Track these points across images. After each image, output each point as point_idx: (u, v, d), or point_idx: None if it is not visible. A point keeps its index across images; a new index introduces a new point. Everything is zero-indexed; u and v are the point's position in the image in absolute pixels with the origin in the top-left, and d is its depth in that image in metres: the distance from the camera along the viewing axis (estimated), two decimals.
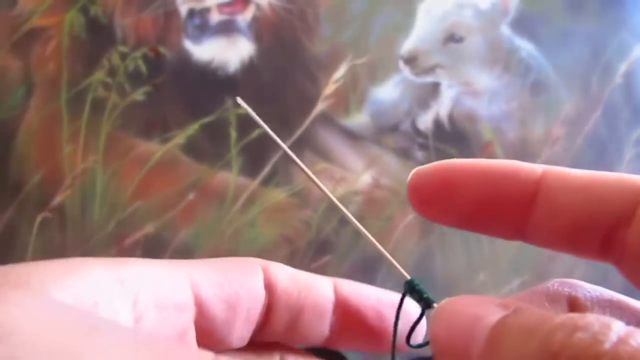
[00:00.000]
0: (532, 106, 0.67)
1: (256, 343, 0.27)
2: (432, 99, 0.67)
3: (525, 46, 0.68)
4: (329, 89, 0.65)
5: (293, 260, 0.61)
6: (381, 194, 0.64)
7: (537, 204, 0.25)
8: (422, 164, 0.68)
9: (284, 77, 0.65)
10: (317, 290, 0.27)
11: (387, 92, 0.66)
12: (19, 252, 0.60)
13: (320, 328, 0.27)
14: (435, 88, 0.67)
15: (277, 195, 0.63)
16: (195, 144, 0.63)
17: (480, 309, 0.22)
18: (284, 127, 0.64)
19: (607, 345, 0.18)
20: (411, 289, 0.26)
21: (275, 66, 0.65)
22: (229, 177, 0.62)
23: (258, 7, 0.65)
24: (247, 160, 0.63)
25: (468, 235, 0.64)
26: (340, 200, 0.64)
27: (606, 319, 0.19)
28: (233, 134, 0.63)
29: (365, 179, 0.64)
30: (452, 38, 0.67)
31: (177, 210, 0.61)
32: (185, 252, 0.61)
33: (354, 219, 0.28)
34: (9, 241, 0.60)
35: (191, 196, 0.62)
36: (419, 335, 0.26)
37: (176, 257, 0.60)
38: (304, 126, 0.64)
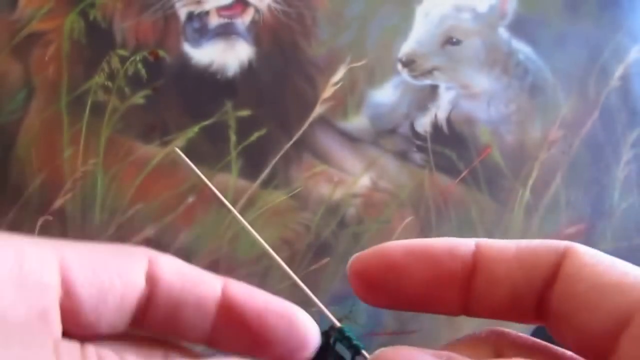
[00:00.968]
0: (530, 109, 0.67)
1: (139, 337, 0.26)
2: (431, 101, 0.67)
3: (523, 49, 0.68)
4: (328, 91, 0.65)
5: (292, 262, 0.62)
6: (380, 196, 0.64)
7: (476, 277, 0.26)
8: (421, 166, 0.68)
9: (282, 80, 0.65)
10: (203, 287, 0.26)
11: (386, 94, 0.66)
12: None
13: (202, 325, 0.26)
14: (433, 91, 0.67)
15: (276, 197, 0.63)
16: (195, 147, 0.63)
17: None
18: (282, 130, 0.64)
19: None
20: (341, 336, 0.26)
21: (274, 69, 0.65)
22: (229, 180, 0.63)
23: (257, 10, 0.65)
24: (247, 163, 0.63)
25: (465, 237, 0.64)
26: (339, 202, 0.64)
27: None
28: (232, 137, 0.63)
29: (363, 181, 0.64)
30: (450, 41, 0.67)
31: (177, 213, 0.62)
32: (186, 255, 0.61)
33: (278, 258, 0.30)
34: None
35: (191, 199, 0.62)
36: None
37: None
38: (302, 129, 0.64)
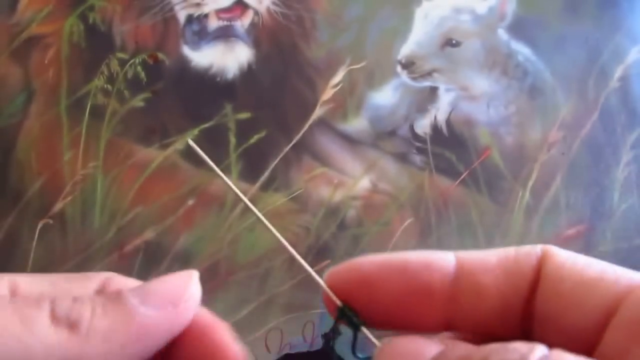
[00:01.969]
0: (530, 110, 0.67)
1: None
2: (430, 103, 0.67)
3: (522, 50, 0.68)
4: (327, 94, 0.65)
5: (292, 265, 0.62)
6: (380, 198, 0.64)
7: (460, 290, 0.26)
8: (421, 168, 0.68)
9: (282, 82, 0.65)
10: None
11: (385, 96, 0.66)
12: (21, 259, 0.60)
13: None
14: (433, 92, 0.67)
15: (277, 200, 0.63)
16: (195, 150, 0.63)
17: (418, 347, 0.23)
18: (282, 132, 0.64)
19: None
20: (341, 314, 0.26)
21: (273, 72, 0.65)
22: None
23: (256, 13, 0.65)
24: (246, 166, 0.63)
25: (465, 239, 0.64)
26: (339, 204, 0.64)
27: (531, 343, 0.21)
28: (232, 139, 0.63)
29: (363, 183, 0.64)
30: (449, 42, 0.67)
31: (176, 216, 0.62)
32: (185, 258, 0.61)
33: (291, 248, 0.29)
34: (11, 248, 0.60)
35: (191, 202, 0.62)
36: None
37: (176, 263, 0.60)
38: (302, 131, 0.64)
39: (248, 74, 0.65)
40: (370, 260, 0.26)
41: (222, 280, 0.61)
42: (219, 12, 0.65)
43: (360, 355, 0.26)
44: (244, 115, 0.64)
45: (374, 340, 0.25)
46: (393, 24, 0.67)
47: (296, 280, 0.61)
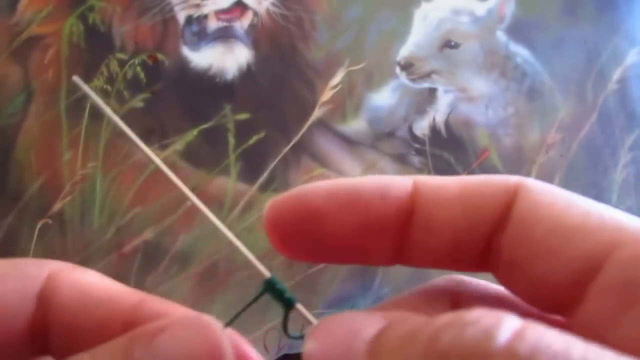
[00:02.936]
0: (528, 112, 0.68)
1: None
2: (429, 104, 0.67)
3: (521, 52, 0.68)
4: (326, 95, 0.65)
5: (291, 265, 0.62)
6: None
7: (413, 222, 0.23)
8: (419, 170, 0.68)
9: (281, 83, 0.65)
10: (108, 307, 0.23)
11: (384, 98, 0.67)
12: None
13: None
14: (431, 94, 0.67)
15: None
16: (194, 150, 0.63)
17: (356, 324, 0.20)
18: (281, 133, 0.64)
19: (500, 341, 0.16)
20: (271, 288, 0.24)
21: (272, 73, 0.65)
22: (228, 183, 0.63)
23: (256, 14, 0.66)
24: (245, 166, 0.63)
25: None
26: None
27: (497, 312, 0.17)
28: (231, 140, 0.63)
29: None
30: (448, 44, 0.68)
31: (176, 216, 0.62)
32: (184, 258, 0.61)
33: (210, 214, 0.26)
34: (10, 247, 0.60)
35: (190, 202, 0.62)
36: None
37: (175, 263, 0.61)
38: (301, 132, 0.64)
39: (247, 74, 0.65)
40: (317, 189, 0.23)
41: (221, 281, 0.61)
42: (219, 13, 0.65)
43: (293, 334, 0.24)
44: (243, 116, 0.64)
45: (309, 317, 0.23)
46: (392, 25, 0.68)
47: (295, 281, 0.61)
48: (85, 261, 0.60)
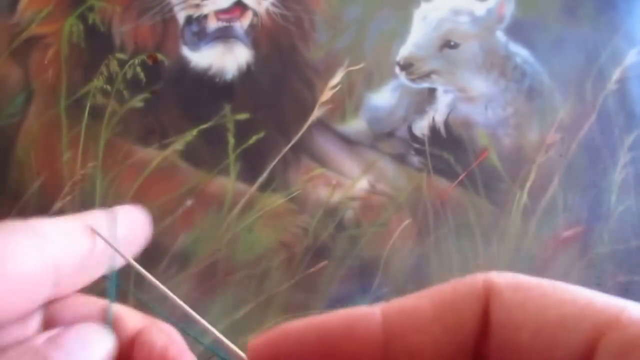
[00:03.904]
0: (528, 112, 0.68)
1: None
2: (428, 104, 0.67)
3: (520, 52, 0.68)
4: (326, 95, 0.65)
5: (290, 265, 0.62)
6: (378, 199, 0.64)
7: (389, 354, 0.21)
8: (419, 169, 0.68)
9: (281, 83, 0.65)
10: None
11: (384, 98, 0.67)
12: None
13: None
14: (431, 94, 0.67)
15: (275, 200, 0.63)
16: (194, 150, 0.63)
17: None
18: (281, 133, 0.64)
19: None
20: None
21: (272, 73, 0.66)
22: (227, 183, 0.63)
23: (255, 14, 0.66)
24: (245, 166, 0.63)
25: (463, 240, 0.64)
26: (337, 205, 0.64)
27: None
28: (231, 140, 0.63)
29: (361, 184, 0.64)
30: (447, 44, 0.68)
31: (175, 216, 0.62)
32: (184, 258, 0.61)
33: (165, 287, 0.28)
34: None
35: (189, 202, 0.62)
36: None
37: (175, 263, 0.61)
38: (300, 132, 0.65)
39: (247, 74, 0.65)
40: (291, 331, 0.23)
41: (220, 280, 0.61)
42: (218, 13, 0.65)
43: None
44: (243, 116, 0.64)
45: None
46: (392, 25, 0.68)
47: (294, 281, 0.62)
48: None
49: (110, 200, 0.61)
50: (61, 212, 0.61)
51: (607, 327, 0.19)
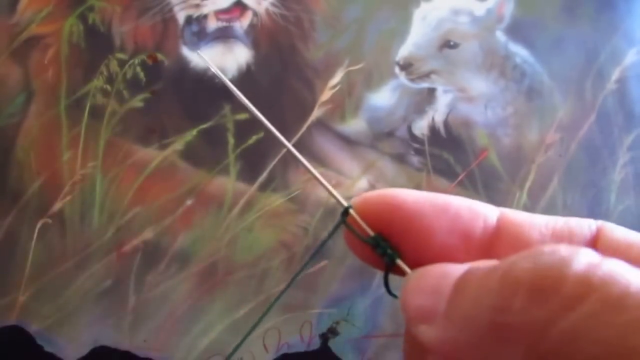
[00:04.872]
0: (527, 112, 0.68)
1: None
2: (428, 104, 0.67)
3: (520, 52, 0.68)
4: (326, 95, 0.65)
5: (290, 265, 0.62)
6: None
7: (501, 241, 0.23)
8: (418, 169, 0.68)
9: (280, 83, 0.66)
10: None
11: (383, 97, 0.67)
12: (20, 258, 0.60)
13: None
14: (431, 94, 0.67)
15: (275, 200, 0.63)
16: (194, 150, 0.63)
17: (447, 268, 0.21)
18: (281, 132, 0.64)
19: (574, 268, 0.17)
20: (375, 244, 0.24)
21: (272, 73, 0.66)
22: (227, 183, 0.63)
23: (255, 14, 0.66)
24: (245, 166, 0.63)
25: None
26: (337, 205, 0.64)
27: (577, 247, 0.18)
28: (231, 139, 0.63)
29: (361, 184, 0.64)
30: (447, 44, 0.68)
31: (175, 216, 0.62)
32: (184, 258, 0.61)
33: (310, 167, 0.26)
34: (10, 247, 0.60)
35: (189, 202, 0.62)
36: None
37: (174, 263, 0.61)
38: (300, 132, 0.65)
39: (247, 74, 0.65)
40: (407, 192, 0.24)
41: (220, 280, 0.61)
42: (218, 13, 0.65)
43: (396, 293, 0.24)
44: (243, 116, 0.64)
45: (409, 271, 0.23)
46: (391, 25, 0.68)
47: (294, 280, 0.62)
48: (85, 260, 0.60)
49: (110, 200, 0.61)
50: (61, 212, 0.61)
51: None
